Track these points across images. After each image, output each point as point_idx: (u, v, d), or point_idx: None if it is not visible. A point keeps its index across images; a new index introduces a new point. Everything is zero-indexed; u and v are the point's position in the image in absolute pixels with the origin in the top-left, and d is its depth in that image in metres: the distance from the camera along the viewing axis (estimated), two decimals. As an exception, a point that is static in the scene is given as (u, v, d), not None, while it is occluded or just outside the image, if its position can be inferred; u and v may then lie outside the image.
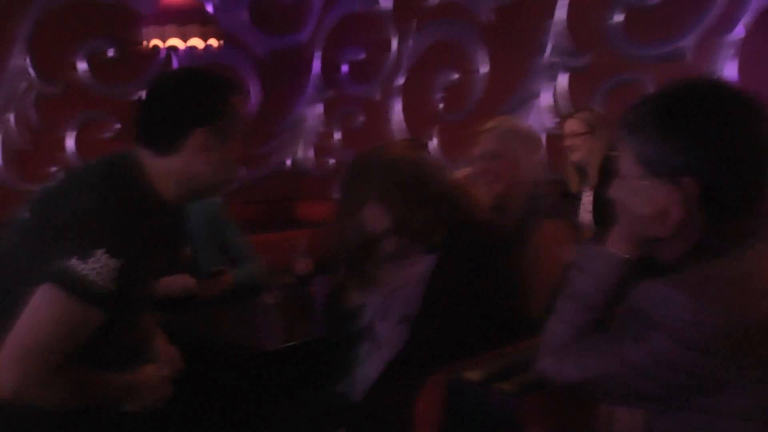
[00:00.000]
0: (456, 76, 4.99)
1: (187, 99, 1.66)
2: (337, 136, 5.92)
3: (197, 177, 1.67)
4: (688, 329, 1.13)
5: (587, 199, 3.69)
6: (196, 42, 4.45)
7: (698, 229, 1.24)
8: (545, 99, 4.46)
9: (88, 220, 1.51)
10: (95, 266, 1.46)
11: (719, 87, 1.30)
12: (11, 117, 4.79)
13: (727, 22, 3.72)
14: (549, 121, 4.40)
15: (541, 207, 2.31)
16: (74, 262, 1.46)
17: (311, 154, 6.18)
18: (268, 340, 2.50)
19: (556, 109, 4.41)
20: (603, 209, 3.49)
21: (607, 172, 3.50)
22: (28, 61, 4.81)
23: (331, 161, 5.98)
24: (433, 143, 5.07)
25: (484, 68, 4.81)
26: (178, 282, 2.78)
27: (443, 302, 1.82)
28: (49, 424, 1.61)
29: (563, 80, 4.37)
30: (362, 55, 5.67)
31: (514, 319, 1.90)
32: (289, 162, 6.17)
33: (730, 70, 3.71)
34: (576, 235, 2.37)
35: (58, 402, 1.52)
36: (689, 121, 1.22)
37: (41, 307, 1.46)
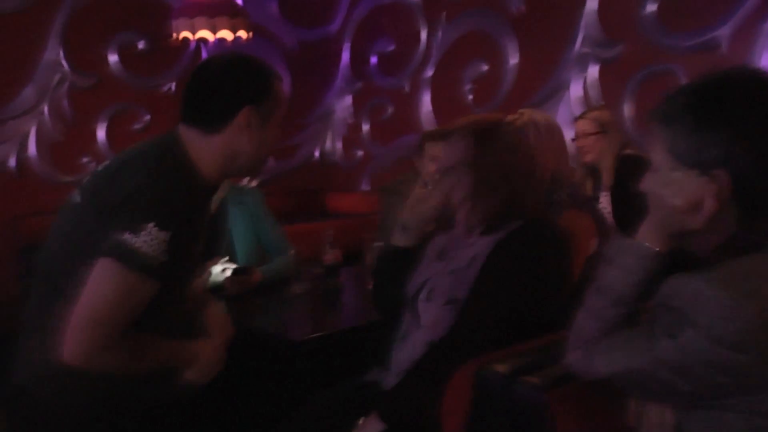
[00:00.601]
0: (485, 67, 4.96)
1: (239, 77, 1.76)
2: (366, 127, 5.92)
3: (238, 155, 1.76)
4: (723, 326, 1.10)
5: (605, 200, 3.62)
6: (226, 34, 4.47)
7: (732, 223, 1.21)
8: (575, 91, 4.42)
9: (137, 197, 1.60)
10: (146, 239, 1.56)
11: (754, 78, 1.25)
12: (45, 109, 4.85)
13: (764, 10, 3.65)
14: (579, 113, 4.35)
15: (561, 198, 2.29)
16: (127, 237, 1.55)
17: (340, 145, 6.19)
18: (296, 331, 2.51)
19: (586, 101, 4.37)
20: (622, 209, 3.45)
21: (623, 171, 3.47)
22: (61, 54, 4.87)
23: (360, 153, 5.99)
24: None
25: (513, 59, 4.78)
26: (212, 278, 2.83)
27: (496, 290, 1.77)
28: (92, 412, 1.72)
29: (594, 71, 4.33)
30: (391, 47, 5.66)
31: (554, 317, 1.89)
32: (317, 153, 6.19)
33: (767, 60, 3.65)
34: (599, 228, 2.34)
35: (124, 366, 1.64)
36: (723, 113, 1.20)
37: (101, 280, 1.57)
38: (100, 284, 1.57)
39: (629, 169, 3.47)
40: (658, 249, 1.30)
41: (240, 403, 2.24)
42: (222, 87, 1.75)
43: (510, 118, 2.38)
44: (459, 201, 1.90)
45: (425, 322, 1.87)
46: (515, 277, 1.77)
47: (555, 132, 2.45)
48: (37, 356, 1.68)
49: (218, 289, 2.83)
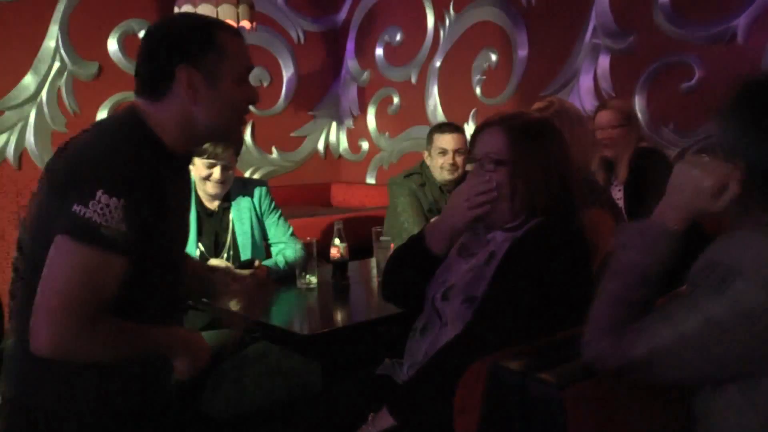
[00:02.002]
0: (494, 58, 4.95)
1: (168, 36, 1.66)
2: (372, 119, 5.92)
3: (192, 120, 1.66)
4: None
5: (618, 194, 3.59)
6: (229, 23, 4.46)
7: (749, 210, 1.30)
8: (586, 82, 4.40)
9: (84, 166, 1.52)
10: (96, 208, 1.46)
11: None
12: (44, 98, 4.85)
13: (781, -1, 3.63)
14: (590, 105, 4.34)
15: (582, 194, 2.28)
16: (76, 208, 1.47)
17: (345, 138, 6.19)
18: (303, 326, 2.51)
19: (597, 93, 4.35)
20: (636, 203, 3.44)
21: (639, 165, 3.44)
22: (61, 41, 4.87)
23: (366, 146, 5.98)
24: (470, 128, 5.04)
25: (523, 50, 4.76)
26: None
27: (512, 288, 1.75)
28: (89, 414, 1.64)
29: (605, 62, 4.30)
30: (398, 37, 5.65)
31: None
32: (322, 146, 6.19)
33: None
34: (618, 224, 2.32)
35: (99, 354, 1.54)
36: (747, 111, 1.32)
37: (57, 260, 1.48)
38: (57, 265, 1.48)
39: (647, 163, 3.45)
40: (676, 227, 1.36)
41: (249, 396, 2.25)
42: (154, 49, 1.66)
43: (537, 106, 2.37)
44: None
45: (447, 321, 1.86)
46: (532, 276, 1.75)
47: (584, 123, 2.43)
48: (15, 362, 1.63)
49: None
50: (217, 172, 2.94)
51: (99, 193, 1.46)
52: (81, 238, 1.46)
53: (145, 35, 1.69)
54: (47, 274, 1.48)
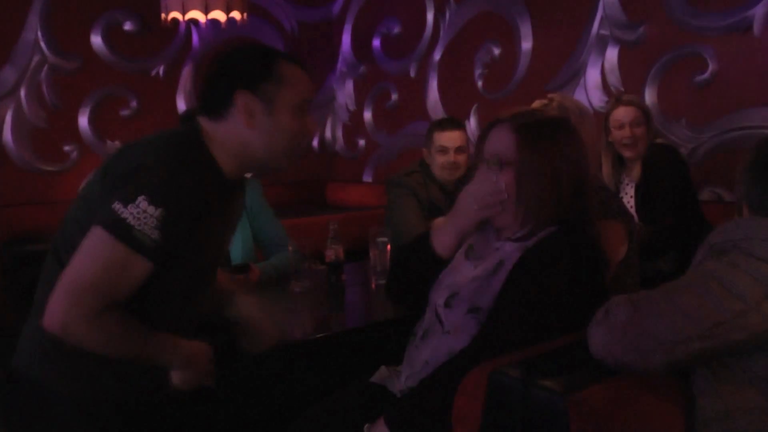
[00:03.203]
0: (497, 51, 4.96)
1: (232, 61, 1.82)
2: (369, 115, 5.92)
3: (247, 145, 1.80)
4: (760, 245, 1.41)
5: (629, 191, 3.58)
6: (219, 15, 4.47)
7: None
8: (593, 76, 4.42)
9: (137, 171, 1.66)
10: (134, 211, 1.60)
11: None
12: (23, 93, 4.86)
13: (800, -12, 3.64)
14: (597, 100, 4.35)
15: (592, 204, 2.29)
16: (116, 206, 1.61)
17: (341, 134, 6.20)
18: (297, 331, 2.52)
19: (605, 87, 4.36)
20: (649, 202, 3.44)
21: (655, 162, 3.44)
22: (41, 34, 4.88)
23: (362, 142, 5.99)
24: (471, 123, 5.05)
25: (527, 42, 4.78)
26: None
27: (522, 303, 1.75)
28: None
29: (613, 55, 4.32)
30: (396, 29, 5.66)
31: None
32: (317, 142, 6.19)
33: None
34: (628, 232, 2.34)
35: (102, 344, 1.67)
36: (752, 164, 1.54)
37: (87, 247, 1.64)
38: (88, 251, 1.63)
39: (661, 160, 3.45)
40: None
41: (241, 406, 2.25)
42: (218, 71, 1.82)
43: (537, 104, 2.37)
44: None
45: (449, 329, 1.87)
46: (542, 291, 1.75)
47: (588, 120, 2.42)
48: (33, 333, 1.76)
49: None
50: None
51: (140, 198, 1.61)
52: (113, 233, 1.61)
53: (211, 62, 1.86)
54: (76, 258, 1.64)
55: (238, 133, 1.79)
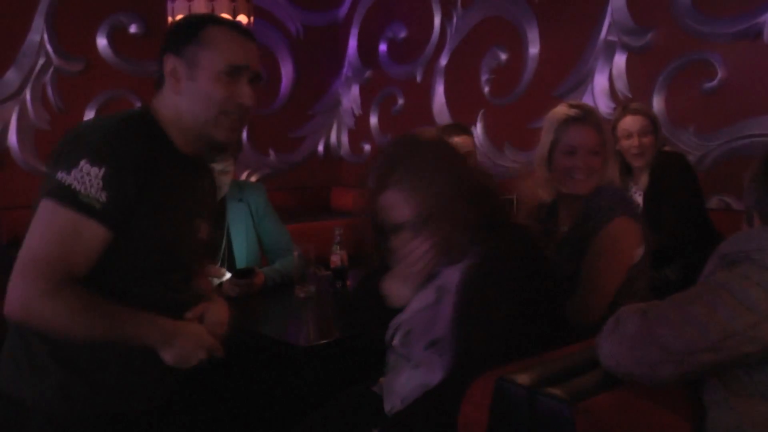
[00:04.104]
0: (504, 56, 4.96)
1: (169, 29, 1.82)
2: (374, 120, 5.93)
3: (179, 112, 1.74)
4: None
5: (637, 199, 3.56)
6: (227, 17, 4.49)
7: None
8: (600, 82, 4.41)
9: (77, 139, 1.63)
10: (77, 176, 1.57)
11: None
12: (28, 95, 4.87)
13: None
14: (604, 107, 4.35)
15: (611, 205, 2.31)
16: (60, 175, 1.58)
17: (346, 139, 6.20)
18: (301, 336, 2.52)
19: (612, 93, 4.36)
20: (656, 209, 3.44)
21: (660, 170, 3.44)
22: (46, 36, 4.89)
23: (368, 147, 5.99)
24: (478, 129, 5.05)
25: (534, 48, 4.78)
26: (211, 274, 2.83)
27: (483, 324, 1.73)
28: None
29: (621, 61, 4.32)
30: (403, 33, 5.67)
31: (564, 324, 1.88)
32: (322, 147, 6.20)
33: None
34: (645, 235, 2.35)
35: (68, 322, 1.58)
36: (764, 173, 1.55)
37: (36, 221, 1.60)
38: (37, 225, 1.60)
39: (668, 168, 3.45)
40: None
41: (243, 411, 2.25)
42: (163, 38, 1.80)
43: (576, 113, 2.38)
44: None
45: (415, 363, 1.84)
46: (499, 304, 1.73)
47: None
48: (7, 348, 1.71)
49: (218, 288, 2.83)
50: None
51: (83, 162, 1.57)
52: (59, 200, 1.57)
53: None
54: (27, 235, 1.60)
55: (170, 101, 1.75)
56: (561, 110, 2.40)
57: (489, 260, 1.77)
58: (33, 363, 1.66)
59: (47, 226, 1.59)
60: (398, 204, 1.82)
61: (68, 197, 1.56)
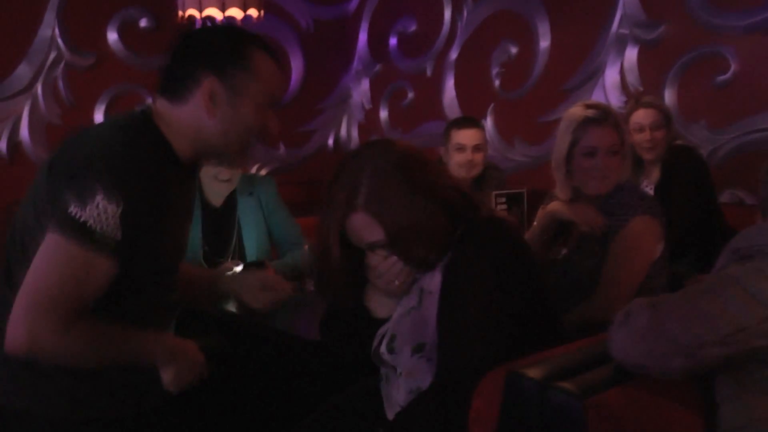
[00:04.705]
0: (514, 50, 4.94)
1: (200, 42, 1.73)
2: (384, 114, 5.92)
3: (204, 132, 1.70)
4: None
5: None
6: (235, 12, 4.48)
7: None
8: (611, 76, 4.40)
9: (87, 165, 1.55)
10: (94, 213, 1.51)
11: None
12: (39, 89, 4.88)
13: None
14: (615, 101, 4.33)
15: (632, 201, 2.31)
16: (74, 209, 1.51)
17: (356, 133, 6.20)
18: (310, 330, 2.51)
19: (623, 87, 4.34)
20: (667, 205, 3.43)
21: (671, 164, 3.43)
22: (57, 30, 4.90)
23: (377, 141, 5.98)
24: (488, 123, 5.04)
25: (545, 41, 4.76)
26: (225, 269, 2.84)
27: (466, 321, 1.66)
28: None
29: (632, 54, 4.30)
30: (413, 27, 5.66)
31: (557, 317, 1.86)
32: (332, 141, 6.20)
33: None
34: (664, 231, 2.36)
35: (78, 355, 1.57)
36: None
37: (46, 257, 1.53)
38: (45, 261, 1.53)
39: (680, 162, 3.44)
40: None
41: (251, 403, 2.25)
42: (186, 51, 1.72)
43: (593, 113, 2.38)
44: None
45: (403, 371, 1.81)
46: (483, 301, 1.67)
47: None
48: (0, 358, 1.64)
49: None
50: (223, 170, 2.96)
51: (99, 198, 1.51)
52: (75, 239, 1.51)
53: (179, 36, 1.75)
54: (33, 270, 1.53)
55: (195, 117, 1.69)
56: (578, 111, 2.39)
57: (466, 258, 1.71)
58: (37, 371, 1.62)
59: (58, 264, 1.52)
60: (367, 226, 1.74)
61: (83, 236, 1.51)
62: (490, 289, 1.66)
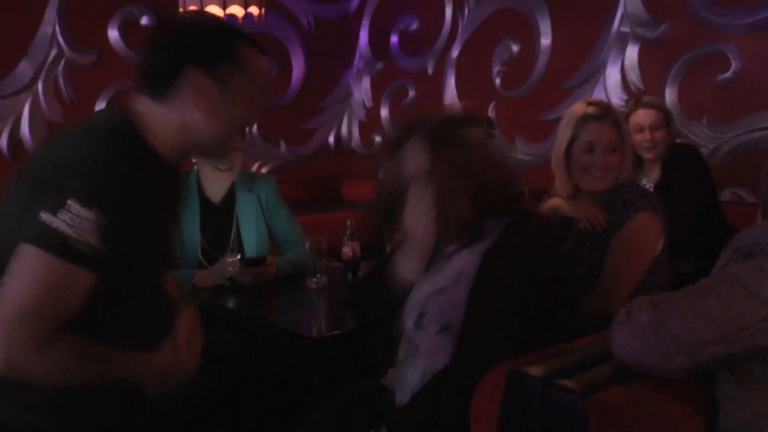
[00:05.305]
0: (516, 48, 4.94)
1: (183, 34, 1.66)
2: (386, 112, 5.92)
3: (192, 127, 1.66)
4: None
5: None
6: (236, 10, 4.49)
7: None
8: (612, 74, 4.39)
9: (61, 170, 1.47)
10: (65, 218, 1.42)
11: None
12: (40, 87, 4.88)
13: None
14: (616, 99, 4.33)
15: (633, 198, 2.32)
16: (44, 216, 1.43)
17: (357, 131, 6.20)
18: (313, 327, 2.52)
19: (624, 85, 4.34)
20: (668, 204, 3.43)
21: (672, 163, 3.43)
22: (58, 28, 4.90)
23: (379, 139, 5.99)
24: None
25: (546, 39, 4.76)
26: (222, 266, 2.84)
27: (495, 311, 1.72)
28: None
29: (633, 53, 4.29)
30: (414, 25, 5.66)
31: (576, 317, 1.88)
32: (333, 139, 6.20)
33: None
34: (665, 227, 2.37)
35: (57, 375, 1.48)
36: None
37: (19, 271, 1.43)
38: (21, 275, 1.43)
39: (680, 160, 3.44)
40: None
41: (252, 402, 2.26)
42: (164, 43, 1.66)
43: (595, 110, 2.40)
44: (424, 215, 1.82)
45: (423, 351, 1.83)
46: (514, 291, 1.73)
47: None
48: None
49: (230, 280, 2.85)
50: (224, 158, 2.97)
51: (71, 201, 1.43)
52: (46, 248, 1.42)
53: (157, 27, 1.68)
54: (6, 285, 1.43)
55: (181, 114, 1.63)
56: (579, 107, 2.41)
57: (507, 249, 1.76)
58: (19, 384, 1.52)
59: (32, 277, 1.42)
60: (417, 153, 1.81)
61: (57, 245, 1.42)
62: (521, 283, 1.72)
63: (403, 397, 1.87)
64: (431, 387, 1.76)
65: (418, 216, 1.83)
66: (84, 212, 1.43)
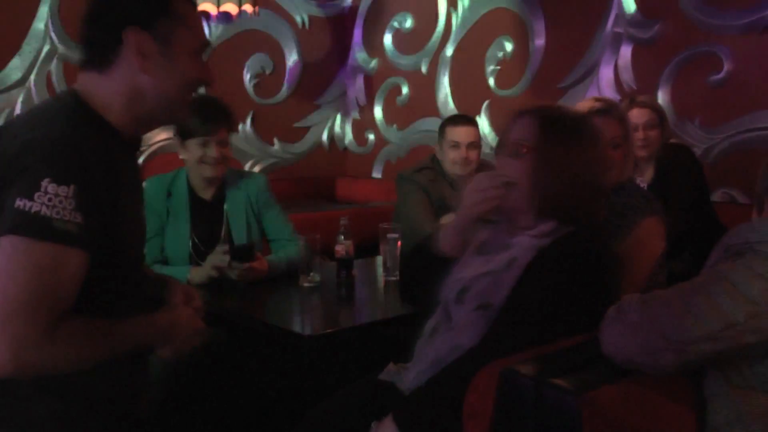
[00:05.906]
0: (510, 47, 4.95)
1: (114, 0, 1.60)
2: (379, 110, 5.92)
3: (141, 93, 1.59)
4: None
5: None
6: (230, 7, 4.48)
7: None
8: (606, 74, 4.40)
9: (25, 155, 1.41)
10: (43, 200, 1.37)
11: None
12: (32, 83, 4.86)
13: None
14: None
15: (637, 202, 2.33)
16: (20, 203, 1.37)
17: (350, 129, 6.19)
18: (306, 326, 2.52)
19: (618, 85, 4.35)
20: (662, 204, 3.45)
21: (665, 162, 3.44)
22: (50, 23, 4.88)
23: (372, 138, 5.99)
24: (483, 120, 5.04)
25: (540, 39, 4.76)
26: (212, 261, 2.83)
27: (534, 304, 1.76)
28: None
29: (627, 53, 4.30)
30: (408, 24, 5.66)
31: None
32: (326, 138, 6.19)
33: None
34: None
35: (70, 361, 1.44)
36: None
37: (5, 263, 1.37)
38: (9, 269, 1.36)
39: (674, 160, 3.45)
40: None
41: (247, 401, 2.26)
42: (103, 10, 1.60)
43: (597, 105, 2.42)
44: (516, 186, 1.88)
45: (456, 324, 1.87)
46: (555, 291, 1.76)
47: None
48: None
49: (219, 270, 2.81)
50: (211, 149, 2.95)
51: (45, 182, 1.38)
52: (30, 234, 1.37)
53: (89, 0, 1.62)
54: None
55: (128, 80, 1.57)
56: (586, 103, 2.44)
57: (568, 248, 1.81)
58: (16, 395, 1.49)
59: (22, 268, 1.36)
60: (524, 124, 1.90)
61: (40, 228, 1.36)
62: (564, 290, 1.76)
63: (414, 372, 1.90)
64: (453, 365, 1.78)
65: (469, 192, 1.91)
66: (62, 190, 1.38)
